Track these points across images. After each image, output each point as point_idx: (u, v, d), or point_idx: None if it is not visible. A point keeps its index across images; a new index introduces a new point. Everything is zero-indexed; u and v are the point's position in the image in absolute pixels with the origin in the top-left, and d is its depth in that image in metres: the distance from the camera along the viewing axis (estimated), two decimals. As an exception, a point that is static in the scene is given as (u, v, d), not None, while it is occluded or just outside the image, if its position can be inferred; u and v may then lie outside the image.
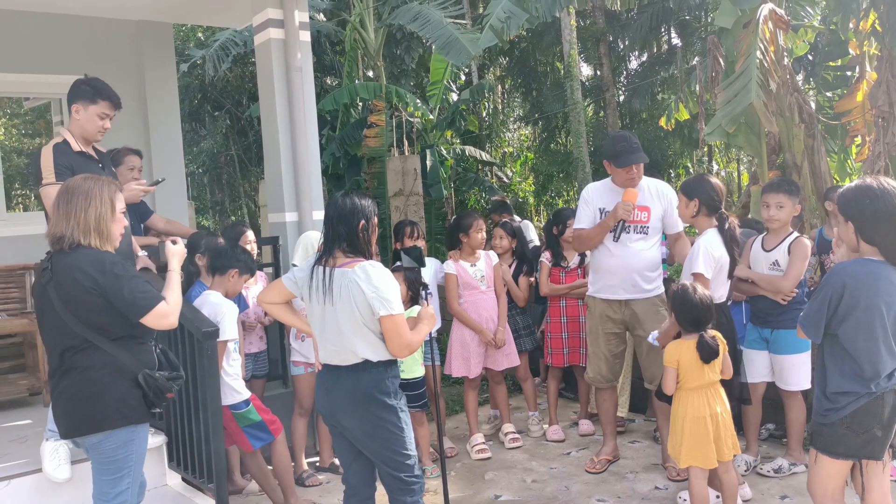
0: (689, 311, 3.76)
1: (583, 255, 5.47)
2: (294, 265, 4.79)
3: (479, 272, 5.31)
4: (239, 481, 4.69)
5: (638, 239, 4.63)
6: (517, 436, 5.40)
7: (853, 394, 2.92)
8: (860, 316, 2.89)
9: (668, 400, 4.28)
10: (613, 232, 4.58)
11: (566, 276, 5.51)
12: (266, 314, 4.90)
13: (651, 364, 4.65)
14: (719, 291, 4.14)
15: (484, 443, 5.29)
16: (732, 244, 4.18)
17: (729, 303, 4.36)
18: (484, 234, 5.39)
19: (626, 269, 4.63)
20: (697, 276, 4.01)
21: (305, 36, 5.82)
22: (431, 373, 4.75)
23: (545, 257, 5.60)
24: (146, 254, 4.45)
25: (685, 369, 3.76)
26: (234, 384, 4.08)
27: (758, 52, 6.47)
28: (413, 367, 4.77)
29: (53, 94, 6.85)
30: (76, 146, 3.83)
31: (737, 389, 4.10)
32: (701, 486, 3.79)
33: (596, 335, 4.78)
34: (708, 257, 4.05)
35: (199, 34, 16.86)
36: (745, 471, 4.54)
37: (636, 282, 4.62)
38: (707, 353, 3.71)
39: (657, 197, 4.67)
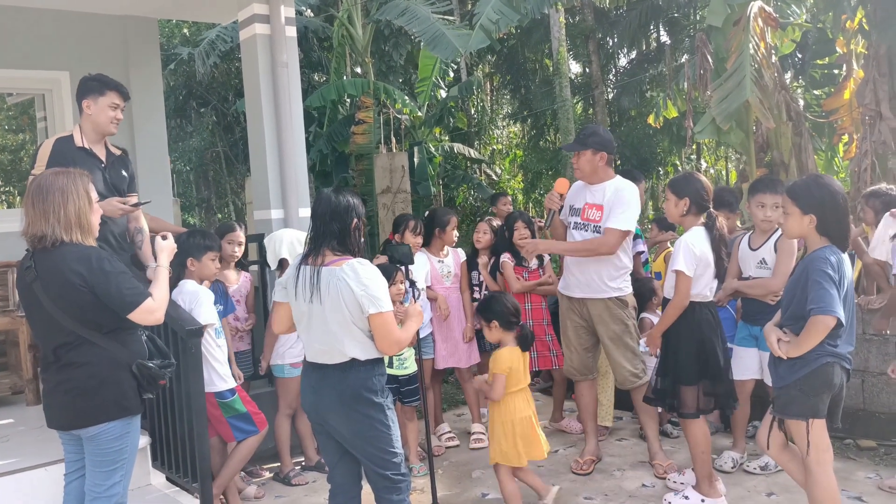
0: (500, 307, 4.00)
1: (541, 256, 5.49)
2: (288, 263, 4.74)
3: (445, 268, 5.36)
4: (238, 483, 4.60)
5: (592, 239, 4.53)
6: (483, 437, 5.34)
7: (807, 357, 3.17)
8: (846, 294, 3.16)
9: (655, 403, 4.29)
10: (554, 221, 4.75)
11: (529, 276, 5.46)
12: (248, 320, 4.90)
13: (615, 365, 4.66)
14: (704, 290, 4.06)
15: (451, 432, 5.43)
16: (721, 244, 4.11)
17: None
18: (456, 231, 5.51)
19: (579, 269, 4.62)
20: (678, 274, 3.97)
21: (292, 31, 5.78)
22: (419, 368, 4.75)
23: (506, 257, 5.48)
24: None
25: (514, 373, 3.97)
26: (221, 370, 4.02)
27: (750, 49, 6.47)
28: (413, 362, 4.78)
29: (37, 89, 6.76)
30: (80, 142, 3.89)
31: (724, 395, 4.08)
32: (512, 485, 4.05)
33: (566, 328, 4.82)
34: (689, 254, 3.97)
35: (185, 30, 16.74)
36: (732, 467, 4.55)
37: (591, 282, 4.58)
38: (527, 341, 4.02)
39: (613, 195, 4.50)
